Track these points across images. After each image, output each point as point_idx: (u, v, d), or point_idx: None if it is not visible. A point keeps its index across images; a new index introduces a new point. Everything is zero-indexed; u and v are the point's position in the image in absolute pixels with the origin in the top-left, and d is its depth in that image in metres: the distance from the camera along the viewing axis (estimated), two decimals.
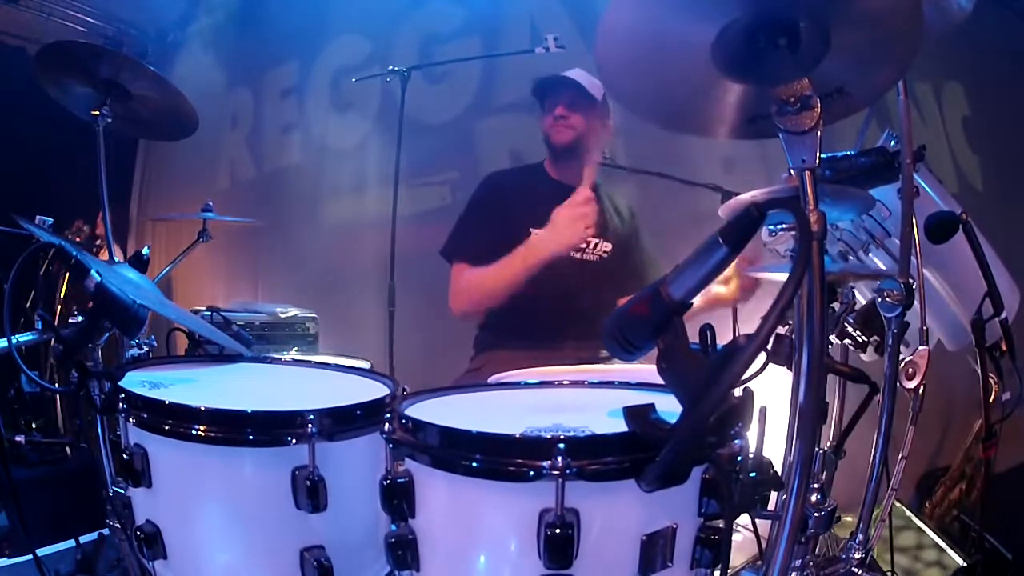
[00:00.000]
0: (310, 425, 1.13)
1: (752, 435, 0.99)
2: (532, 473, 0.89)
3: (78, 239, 3.90)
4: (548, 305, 2.13)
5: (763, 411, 1.00)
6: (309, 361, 1.66)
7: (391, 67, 3.41)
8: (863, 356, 1.72)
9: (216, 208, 2.47)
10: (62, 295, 3.51)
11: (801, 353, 0.96)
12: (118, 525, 1.54)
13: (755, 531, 1.19)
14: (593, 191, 2.46)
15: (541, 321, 2.15)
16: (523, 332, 2.23)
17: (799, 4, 0.98)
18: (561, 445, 0.89)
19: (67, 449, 3.14)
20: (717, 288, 2.22)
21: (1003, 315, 1.67)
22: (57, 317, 3.40)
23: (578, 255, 2.32)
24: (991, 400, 1.75)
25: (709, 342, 0.89)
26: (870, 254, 1.85)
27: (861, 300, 1.76)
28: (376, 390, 1.33)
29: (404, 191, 3.38)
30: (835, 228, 1.85)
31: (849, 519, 1.77)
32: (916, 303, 1.63)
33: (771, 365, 1.19)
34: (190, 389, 1.35)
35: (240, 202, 4.60)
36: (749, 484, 0.95)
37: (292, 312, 3.41)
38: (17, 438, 3.03)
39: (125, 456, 1.19)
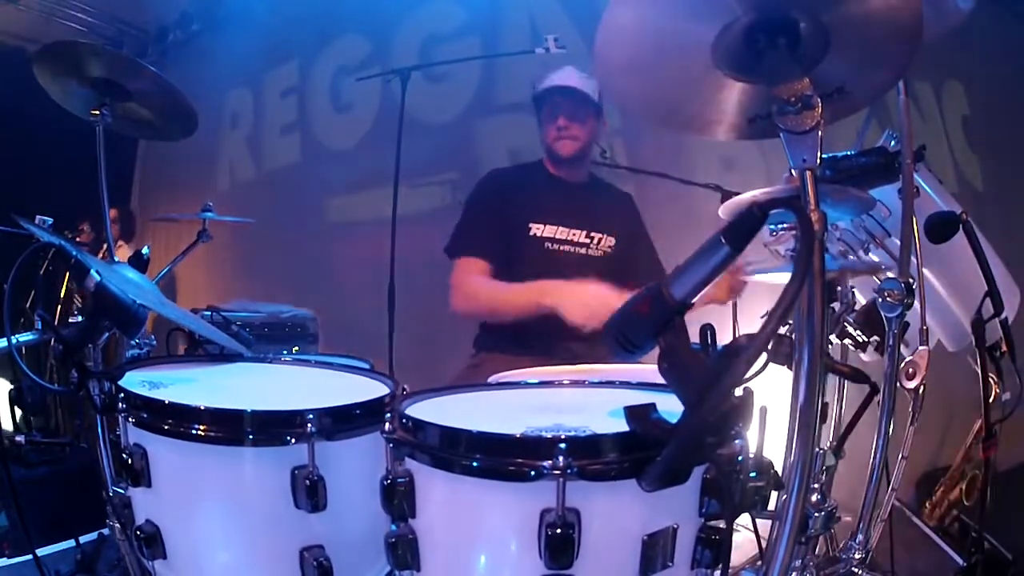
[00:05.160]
0: (309, 424, 1.13)
1: (752, 435, 0.99)
2: (533, 473, 0.89)
3: (78, 239, 3.91)
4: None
5: (763, 411, 1.00)
6: (309, 361, 1.65)
7: (391, 67, 3.41)
8: (863, 356, 1.72)
9: (216, 208, 2.47)
10: (62, 295, 3.51)
11: (801, 353, 0.97)
12: (118, 525, 1.53)
13: (755, 531, 1.19)
14: (593, 184, 2.47)
15: (540, 321, 2.15)
16: (522, 332, 2.23)
17: (799, 4, 0.98)
18: (562, 445, 0.89)
19: (67, 449, 3.14)
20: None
21: (1003, 315, 1.67)
22: (57, 317, 3.40)
23: (582, 251, 2.32)
24: (991, 400, 1.75)
25: (710, 342, 0.89)
26: (870, 254, 1.85)
27: (861, 300, 1.76)
28: (376, 389, 1.33)
29: (404, 191, 3.38)
30: (835, 228, 1.85)
31: (849, 519, 1.77)
32: (916, 303, 1.63)
33: (771, 365, 1.19)
34: (190, 389, 1.35)
35: (240, 202, 4.61)
36: (749, 484, 0.95)
37: (292, 312, 3.41)
38: (17, 438, 3.03)
39: (125, 456, 1.19)
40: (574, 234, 2.32)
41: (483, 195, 2.40)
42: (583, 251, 2.32)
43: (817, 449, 1.49)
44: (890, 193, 1.75)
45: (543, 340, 2.17)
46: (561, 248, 2.30)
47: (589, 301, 1.99)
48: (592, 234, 2.34)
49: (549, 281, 2.11)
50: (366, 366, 1.67)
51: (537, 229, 2.30)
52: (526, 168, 2.49)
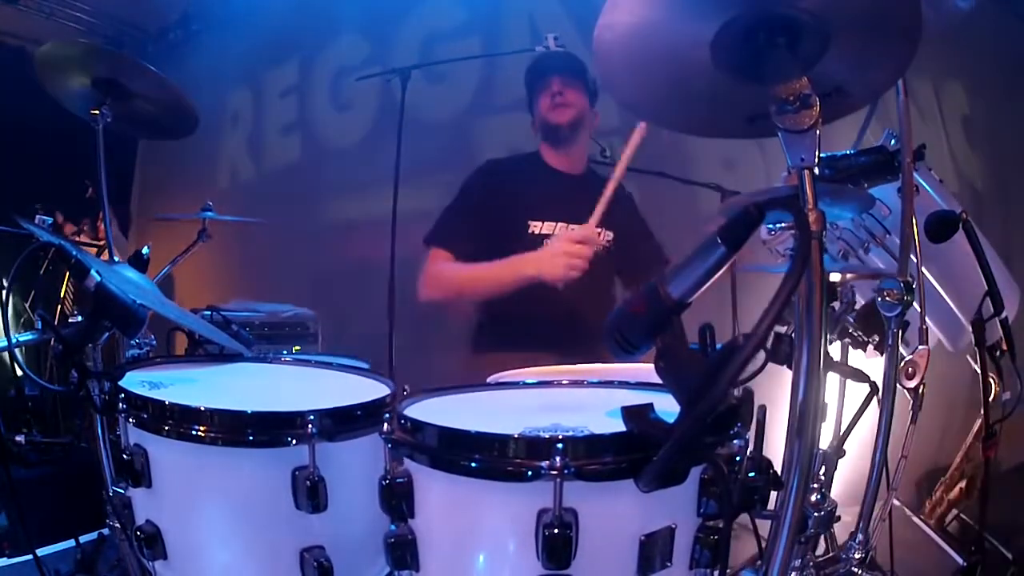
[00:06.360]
0: (310, 425, 1.13)
1: (751, 435, 0.99)
2: (530, 473, 0.89)
3: (77, 239, 3.91)
4: (549, 301, 2.12)
5: (762, 411, 1.00)
6: (309, 361, 1.65)
7: (391, 67, 3.41)
8: (863, 356, 1.72)
9: (216, 208, 2.47)
10: (62, 295, 3.51)
11: (801, 352, 0.96)
12: (118, 525, 1.53)
13: (755, 531, 1.19)
14: (589, 177, 2.46)
15: (541, 319, 2.15)
16: (522, 331, 2.22)
17: (798, 3, 0.98)
18: (559, 445, 0.89)
19: (67, 449, 3.14)
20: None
21: (1003, 315, 1.67)
22: (57, 317, 3.41)
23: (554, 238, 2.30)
24: (991, 400, 1.75)
25: (708, 341, 0.89)
26: (870, 253, 1.85)
27: (861, 299, 1.76)
28: (376, 390, 1.33)
29: (404, 191, 3.38)
30: (834, 227, 1.85)
31: (849, 519, 1.77)
32: (916, 302, 1.63)
33: (770, 364, 1.19)
34: (190, 389, 1.35)
35: (240, 202, 4.61)
36: (748, 484, 0.95)
37: (292, 312, 3.41)
38: (17, 438, 3.03)
39: (125, 456, 1.19)
40: (572, 229, 2.31)
41: (478, 189, 2.38)
42: None
43: (817, 449, 1.49)
44: (890, 192, 1.75)
45: (540, 339, 2.16)
46: None
47: (561, 253, 2.02)
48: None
49: (521, 255, 2.12)
50: (366, 366, 1.67)
51: (535, 227, 2.29)
52: (523, 160, 2.47)
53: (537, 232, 2.29)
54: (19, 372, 3.26)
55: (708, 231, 0.88)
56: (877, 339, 1.66)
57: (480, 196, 2.35)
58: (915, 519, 2.46)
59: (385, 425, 1.03)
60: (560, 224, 2.30)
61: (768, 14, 1.00)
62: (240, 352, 1.61)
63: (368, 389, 1.34)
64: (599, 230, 2.32)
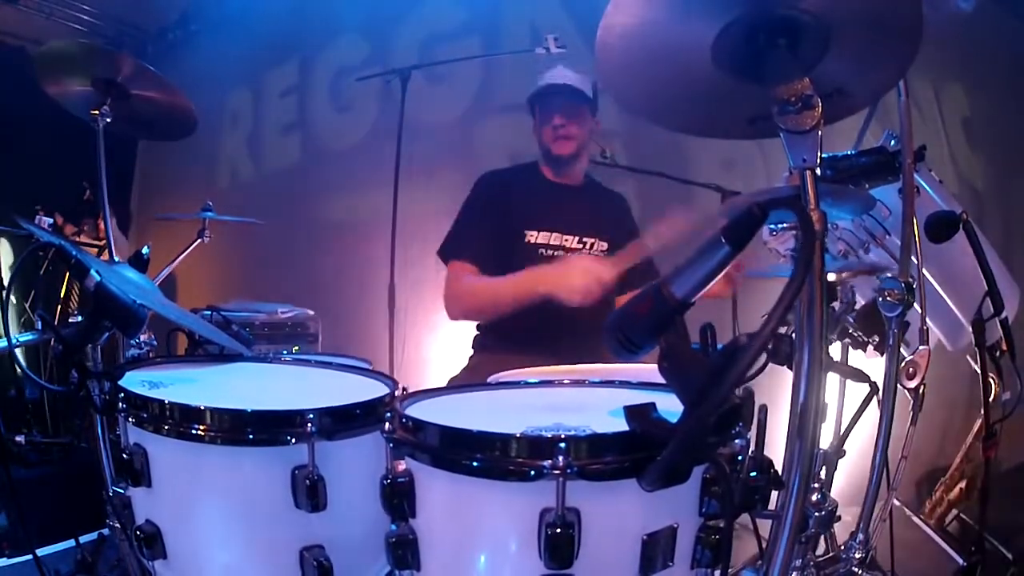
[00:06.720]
0: (310, 424, 1.13)
1: (752, 434, 0.99)
2: (533, 472, 0.89)
3: (77, 239, 3.92)
4: (544, 306, 2.12)
5: (763, 410, 1.00)
6: (309, 360, 1.65)
7: (391, 67, 3.41)
8: (863, 356, 1.72)
9: (216, 208, 2.47)
10: (62, 295, 3.52)
11: (801, 352, 0.97)
12: (118, 525, 1.53)
13: (755, 531, 1.19)
14: (586, 186, 2.46)
15: (537, 322, 2.15)
16: (519, 333, 2.23)
17: (799, 4, 0.98)
18: (562, 444, 0.89)
19: (67, 449, 3.14)
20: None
21: (1003, 315, 1.67)
22: (57, 317, 3.41)
23: (574, 256, 2.30)
24: (991, 400, 1.75)
25: (710, 341, 0.89)
26: (870, 253, 1.85)
27: (861, 300, 1.76)
28: (376, 389, 1.33)
29: (404, 191, 3.38)
30: (835, 227, 1.85)
31: (849, 519, 1.77)
32: (916, 303, 1.63)
33: (771, 365, 1.19)
34: (190, 389, 1.35)
35: (240, 202, 4.61)
36: (749, 483, 0.95)
37: (292, 312, 3.41)
38: (17, 438, 3.03)
39: (125, 456, 1.19)
40: (566, 239, 2.32)
41: (479, 199, 2.39)
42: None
43: (817, 449, 1.49)
44: (890, 192, 1.75)
45: (540, 340, 2.16)
46: (554, 254, 2.30)
47: (579, 279, 2.00)
48: (584, 239, 2.33)
49: (537, 269, 2.12)
50: (366, 366, 1.67)
51: (531, 236, 2.30)
52: (521, 170, 2.48)
53: (533, 242, 2.30)
54: (19, 372, 3.25)
55: (707, 233, 0.88)
56: (877, 339, 1.67)
57: (480, 207, 2.36)
58: (915, 519, 2.46)
59: (386, 424, 1.03)
60: (554, 234, 2.30)
61: (769, 15, 1.00)
62: (240, 352, 1.61)
63: (368, 388, 1.34)
64: (592, 240, 2.33)
